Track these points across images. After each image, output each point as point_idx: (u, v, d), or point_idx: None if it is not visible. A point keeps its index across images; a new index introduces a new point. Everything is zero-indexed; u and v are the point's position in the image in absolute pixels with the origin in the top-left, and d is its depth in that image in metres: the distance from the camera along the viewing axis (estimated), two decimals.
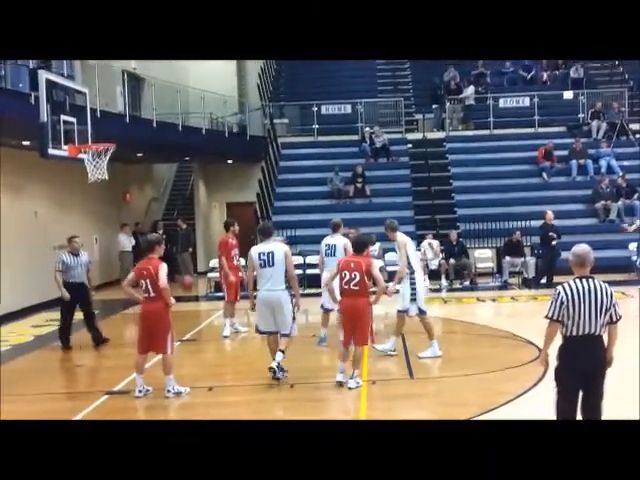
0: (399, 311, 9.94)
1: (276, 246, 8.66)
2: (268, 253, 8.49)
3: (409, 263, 9.82)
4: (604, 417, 5.40)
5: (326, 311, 10.92)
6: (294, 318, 8.74)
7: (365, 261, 8.34)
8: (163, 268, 8.34)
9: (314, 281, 14.82)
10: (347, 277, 8.28)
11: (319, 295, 15.47)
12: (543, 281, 16.09)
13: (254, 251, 8.66)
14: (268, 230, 8.84)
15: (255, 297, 8.72)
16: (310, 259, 17.08)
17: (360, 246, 8.55)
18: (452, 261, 17.04)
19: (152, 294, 8.35)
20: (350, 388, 8.24)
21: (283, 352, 8.63)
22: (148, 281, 8.32)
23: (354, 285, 8.24)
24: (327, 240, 10.98)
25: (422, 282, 10.17)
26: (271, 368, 8.51)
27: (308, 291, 15.00)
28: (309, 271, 16.64)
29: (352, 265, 8.30)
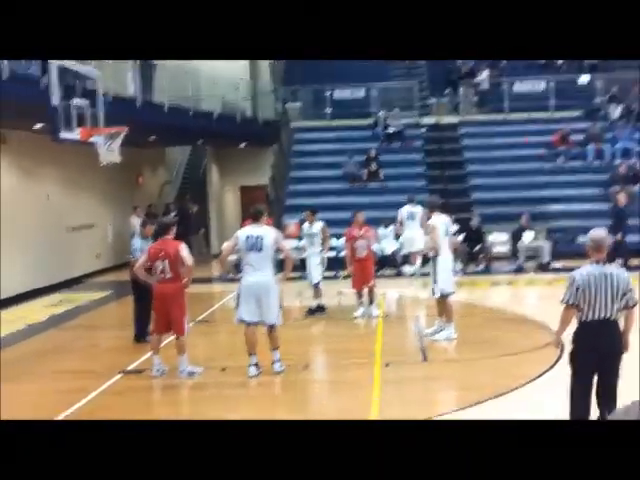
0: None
1: (266, 230, 8.19)
2: (257, 237, 8.01)
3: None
4: (618, 402, 5.36)
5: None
6: (280, 306, 8.47)
7: None
8: (184, 248, 8.31)
9: (328, 265, 14.75)
10: None
11: (333, 278, 15.51)
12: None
13: (242, 232, 8.18)
14: (259, 213, 8.28)
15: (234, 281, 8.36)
16: None
17: None
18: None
19: (168, 275, 8.28)
20: None
21: (278, 348, 8.37)
22: (166, 262, 8.25)
23: None
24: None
25: (448, 265, 10.02)
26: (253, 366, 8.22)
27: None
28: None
29: None
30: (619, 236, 15.40)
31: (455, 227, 16.72)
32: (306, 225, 12.24)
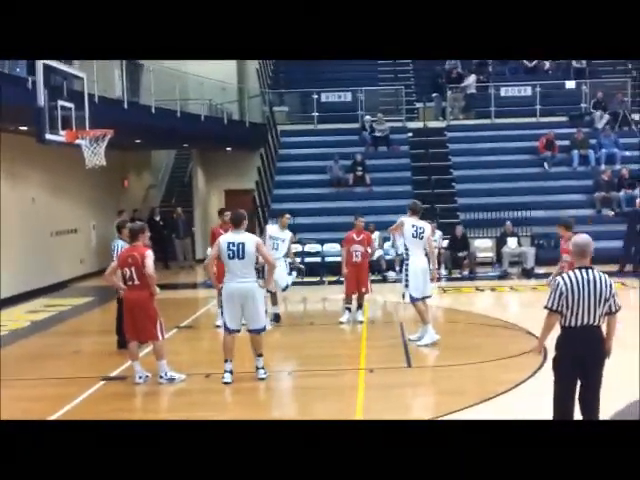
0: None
1: (247, 237, 8.09)
2: (239, 244, 7.92)
3: (405, 248, 9.98)
4: (601, 408, 5.36)
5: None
6: (266, 311, 8.45)
7: None
8: (149, 256, 8.19)
9: (313, 270, 14.76)
10: None
11: (318, 284, 15.58)
12: (629, 269, 15.96)
13: (223, 240, 8.07)
14: (239, 219, 8.14)
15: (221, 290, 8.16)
16: (309, 247, 17.00)
17: None
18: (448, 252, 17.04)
19: (136, 282, 8.21)
20: None
21: (261, 355, 8.32)
22: (133, 269, 8.18)
23: None
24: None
25: (417, 269, 9.91)
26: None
27: (308, 279, 14.98)
28: (307, 259, 16.54)
29: None
30: None
31: (439, 233, 16.79)
32: (276, 227, 11.62)
